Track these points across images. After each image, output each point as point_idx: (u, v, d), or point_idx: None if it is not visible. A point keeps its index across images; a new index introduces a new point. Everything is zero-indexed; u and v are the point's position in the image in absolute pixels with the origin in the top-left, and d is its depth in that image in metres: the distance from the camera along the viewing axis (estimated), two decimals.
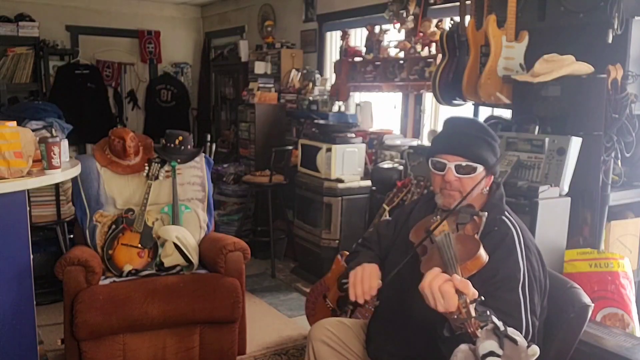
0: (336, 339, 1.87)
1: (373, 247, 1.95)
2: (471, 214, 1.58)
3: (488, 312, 1.28)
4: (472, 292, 1.30)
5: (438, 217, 1.63)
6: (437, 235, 1.52)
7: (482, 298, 1.29)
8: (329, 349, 1.85)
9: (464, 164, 1.63)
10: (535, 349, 1.28)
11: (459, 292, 1.28)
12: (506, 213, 1.67)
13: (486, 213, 1.58)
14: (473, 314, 1.25)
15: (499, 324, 1.26)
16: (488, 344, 1.25)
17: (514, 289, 1.50)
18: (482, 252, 1.43)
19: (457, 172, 1.63)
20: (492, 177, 1.72)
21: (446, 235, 1.49)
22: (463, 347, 1.31)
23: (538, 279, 1.57)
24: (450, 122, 1.77)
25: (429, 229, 1.58)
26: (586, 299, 1.69)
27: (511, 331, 1.28)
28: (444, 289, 1.29)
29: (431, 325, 1.52)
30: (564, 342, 1.67)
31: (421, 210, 1.84)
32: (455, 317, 1.28)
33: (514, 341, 1.25)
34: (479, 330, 1.24)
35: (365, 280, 1.65)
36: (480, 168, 1.64)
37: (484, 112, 3.53)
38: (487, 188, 1.72)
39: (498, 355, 1.24)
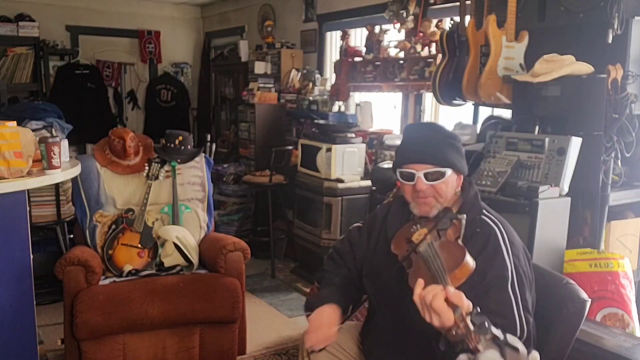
0: (332, 343, 1.82)
1: (346, 259, 1.90)
2: (450, 218, 1.58)
3: (486, 324, 1.25)
4: (467, 304, 1.29)
5: (417, 226, 1.62)
6: (420, 245, 1.51)
7: (478, 309, 1.28)
8: (325, 353, 1.81)
9: (431, 170, 1.63)
10: (535, 355, 1.26)
11: (453, 306, 1.27)
12: (484, 212, 1.67)
13: (465, 215, 1.58)
14: (471, 327, 1.23)
15: (498, 333, 1.24)
16: (490, 354, 1.22)
17: (504, 288, 1.50)
18: (468, 258, 1.41)
19: (427, 180, 1.64)
20: (462, 176, 1.71)
21: (430, 245, 1.48)
22: (462, 357, 1.28)
23: (526, 273, 1.58)
24: (409, 131, 1.79)
25: (410, 240, 1.57)
26: (583, 294, 1.70)
27: (511, 339, 1.25)
28: (437, 305, 1.28)
29: (428, 335, 1.52)
30: (564, 338, 1.67)
31: (396, 216, 1.81)
32: (454, 332, 1.25)
33: (516, 349, 1.23)
34: (480, 343, 1.22)
35: (323, 330, 1.67)
36: (448, 171, 1.64)
37: (484, 112, 3.53)
38: (459, 188, 1.71)
39: None
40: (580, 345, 1.91)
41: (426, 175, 1.63)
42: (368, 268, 1.82)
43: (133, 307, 2.48)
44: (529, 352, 1.25)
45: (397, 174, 1.71)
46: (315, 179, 4.07)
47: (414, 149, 1.68)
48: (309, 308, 1.76)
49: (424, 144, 1.67)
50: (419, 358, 1.62)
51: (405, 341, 1.67)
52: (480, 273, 1.46)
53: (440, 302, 1.28)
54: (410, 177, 1.65)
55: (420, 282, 1.35)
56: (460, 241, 1.53)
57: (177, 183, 3.03)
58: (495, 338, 1.23)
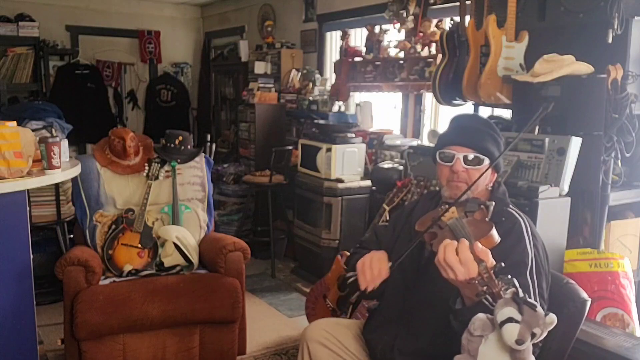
0: (334, 340, 1.85)
1: (373, 248, 1.93)
2: (479, 203, 1.62)
3: (509, 275, 1.29)
4: (491, 260, 1.34)
5: (446, 206, 1.65)
6: (448, 220, 1.53)
7: (503, 264, 1.31)
8: (326, 350, 1.83)
9: (471, 155, 1.70)
10: (552, 317, 1.27)
11: (478, 260, 1.31)
12: (511, 206, 1.73)
13: (493, 202, 1.61)
14: (494, 277, 1.27)
15: (519, 290, 1.27)
16: (507, 310, 1.24)
17: (522, 274, 1.53)
18: (494, 232, 1.44)
19: (465, 163, 1.70)
20: (496, 174, 1.78)
21: (457, 219, 1.52)
22: (480, 315, 1.32)
23: (544, 267, 1.62)
24: (456, 118, 1.85)
25: (436, 217, 1.59)
26: (584, 294, 1.71)
27: (529, 299, 1.28)
28: (464, 255, 1.33)
29: (439, 316, 1.53)
30: (564, 337, 1.68)
31: (423, 209, 1.86)
32: (477, 282, 1.29)
33: (533, 307, 1.24)
34: (502, 290, 1.25)
35: (375, 265, 1.65)
36: (486, 160, 1.70)
37: (484, 112, 3.52)
38: (491, 185, 1.77)
39: (517, 321, 1.23)
40: (580, 345, 1.91)
41: (465, 158, 1.70)
42: (392, 254, 1.84)
43: (133, 307, 2.48)
44: (546, 314, 1.26)
45: (437, 155, 1.76)
46: (315, 179, 4.07)
47: (458, 132, 1.76)
48: (353, 266, 1.76)
49: (469, 130, 1.74)
50: (426, 339, 1.65)
51: (415, 324, 1.70)
52: (501, 257, 1.48)
53: (467, 252, 1.33)
54: (450, 157, 1.72)
55: (446, 241, 1.39)
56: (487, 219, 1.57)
57: (177, 183, 3.03)
58: (515, 294, 1.25)
